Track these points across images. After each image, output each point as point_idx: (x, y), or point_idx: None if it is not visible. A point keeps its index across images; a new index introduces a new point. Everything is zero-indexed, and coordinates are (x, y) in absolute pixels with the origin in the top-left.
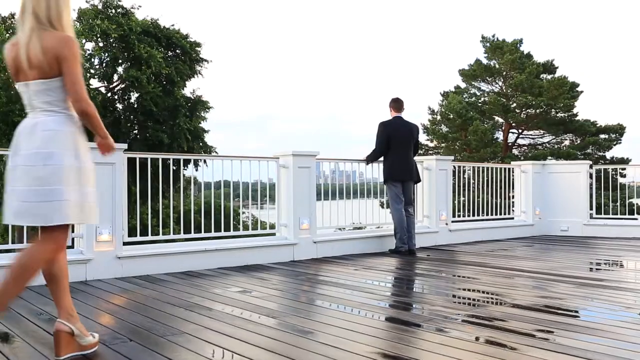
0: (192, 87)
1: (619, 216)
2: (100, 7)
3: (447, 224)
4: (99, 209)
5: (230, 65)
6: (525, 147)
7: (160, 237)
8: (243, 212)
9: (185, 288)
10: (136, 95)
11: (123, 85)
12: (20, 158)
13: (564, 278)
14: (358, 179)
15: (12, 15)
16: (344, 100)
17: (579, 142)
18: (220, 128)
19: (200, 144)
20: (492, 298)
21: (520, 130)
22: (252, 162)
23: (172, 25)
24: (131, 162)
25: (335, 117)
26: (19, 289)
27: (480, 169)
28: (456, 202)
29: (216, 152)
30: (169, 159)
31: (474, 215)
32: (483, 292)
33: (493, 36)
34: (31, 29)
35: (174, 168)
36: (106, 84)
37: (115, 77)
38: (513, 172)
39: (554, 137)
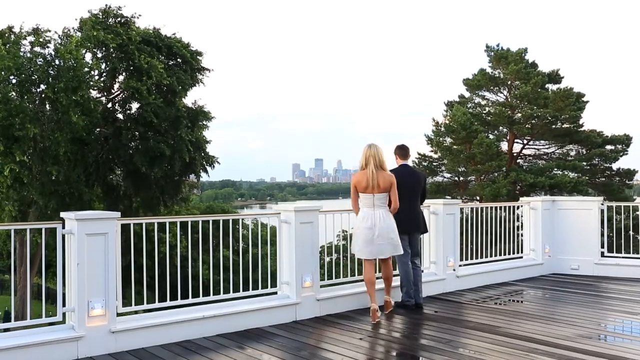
0: (193, 97)
1: (630, 255)
2: (100, 16)
3: (454, 269)
4: (91, 282)
5: (235, 66)
6: (531, 157)
7: (156, 304)
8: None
9: None
10: (137, 105)
11: (124, 96)
12: (376, 229)
13: (581, 355)
14: None
15: (10, 29)
16: (348, 104)
17: (585, 153)
18: (226, 127)
19: (202, 154)
20: None
21: (525, 142)
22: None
23: (174, 34)
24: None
25: (338, 119)
26: (391, 286)
27: (489, 208)
28: (463, 244)
29: (218, 163)
30: (165, 222)
31: (482, 256)
32: None
33: (497, 45)
34: (373, 170)
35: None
36: (106, 94)
37: (116, 86)
38: (522, 209)
39: (559, 147)
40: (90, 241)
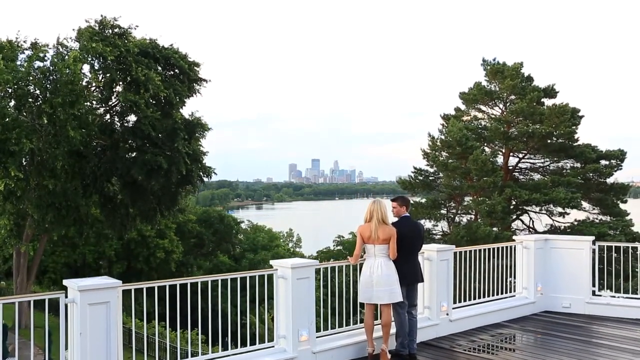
0: (190, 109)
1: (621, 294)
2: (97, 27)
3: (447, 314)
4: (93, 350)
5: (231, 66)
6: (527, 170)
7: None
8: (243, 324)
9: None
10: (134, 118)
11: (121, 107)
12: (374, 276)
13: None
14: (357, 178)
15: (10, 42)
16: (345, 104)
17: (580, 167)
18: (222, 127)
19: (199, 165)
20: None
21: (521, 156)
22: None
23: (171, 44)
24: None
25: (334, 119)
26: (389, 334)
27: (484, 250)
28: (457, 284)
29: (215, 173)
30: (165, 285)
31: (474, 296)
32: None
33: (494, 59)
34: (376, 223)
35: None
36: (104, 105)
37: (113, 97)
38: (515, 249)
39: (554, 162)
40: (92, 310)
